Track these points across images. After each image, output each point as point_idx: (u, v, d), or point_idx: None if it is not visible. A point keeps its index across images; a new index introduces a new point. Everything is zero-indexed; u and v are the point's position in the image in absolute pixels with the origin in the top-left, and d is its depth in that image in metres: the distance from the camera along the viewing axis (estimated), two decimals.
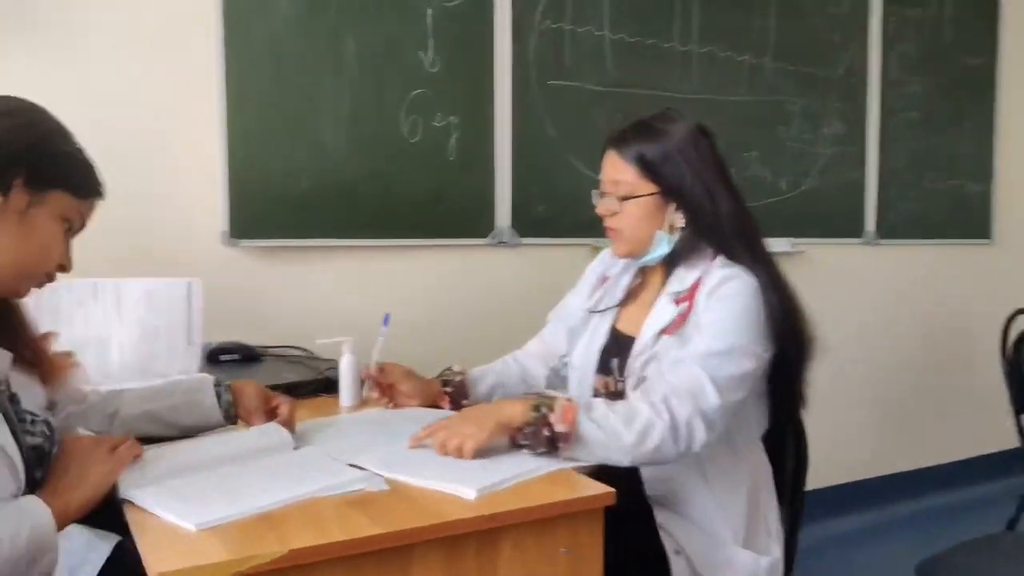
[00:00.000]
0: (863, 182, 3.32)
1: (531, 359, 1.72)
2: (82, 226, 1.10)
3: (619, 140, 1.47)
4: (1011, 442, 2.73)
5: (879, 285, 3.44)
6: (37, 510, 0.96)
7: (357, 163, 2.32)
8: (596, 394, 1.52)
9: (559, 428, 1.19)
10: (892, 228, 3.40)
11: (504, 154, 2.52)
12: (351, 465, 1.15)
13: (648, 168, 1.43)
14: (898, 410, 3.53)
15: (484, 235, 2.53)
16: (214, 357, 1.95)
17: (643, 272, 1.57)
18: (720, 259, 1.43)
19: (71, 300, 1.72)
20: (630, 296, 1.56)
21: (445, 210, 2.46)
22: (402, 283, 2.45)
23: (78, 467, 1.03)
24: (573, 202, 2.63)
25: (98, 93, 2.04)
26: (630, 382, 1.44)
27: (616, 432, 1.23)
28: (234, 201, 2.16)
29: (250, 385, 1.36)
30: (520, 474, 1.11)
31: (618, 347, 1.51)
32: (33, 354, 1.13)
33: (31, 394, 1.11)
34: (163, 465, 1.10)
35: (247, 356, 1.96)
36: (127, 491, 1.03)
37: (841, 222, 3.29)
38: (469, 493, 1.03)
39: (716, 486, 1.41)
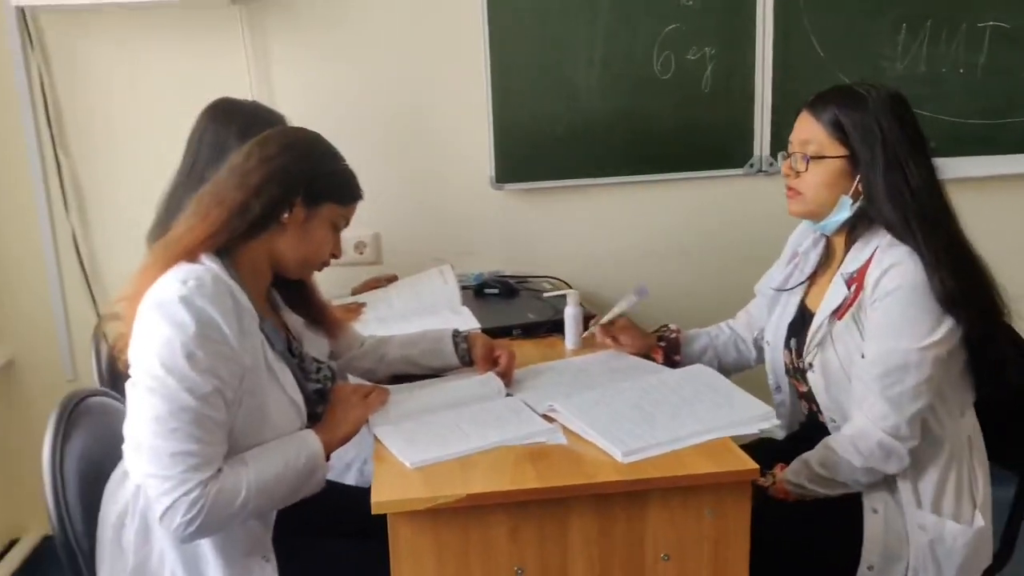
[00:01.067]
0: None
1: (742, 328, 1.80)
2: (347, 223, 1.41)
3: (816, 100, 1.47)
4: None
5: None
6: (310, 440, 1.30)
7: (609, 105, 2.44)
8: (786, 369, 1.59)
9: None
10: None
11: (764, 79, 2.48)
12: (545, 415, 1.38)
13: (841, 130, 1.41)
14: None
15: (741, 165, 2.54)
16: (480, 291, 2.28)
17: (829, 246, 1.56)
18: (889, 238, 1.39)
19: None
20: (818, 271, 1.57)
21: (699, 142, 2.51)
22: (658, 217, 2.57)
23: (342, 410, 1.37)
24: None
25: (380, 63, 2.38)
26: (807, 361, 1.49)
27: (823, 490, 1.42)
28: (499, 149, 2.43)
29: (481, 337, 1.63)
30: (677, 439, 1.26)
31: (803, 323, 1.55)
32: (320, 316, 1.50)
33: (319, 345, 1.49)
34: (403, 408, 1.41)
35: (506, 291, 2.26)
36: (374, 427, 1.36)
37: None
38: (617, 454, 1.22)
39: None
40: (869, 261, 1.42)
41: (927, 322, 1.34)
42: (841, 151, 1.43)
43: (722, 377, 1.51)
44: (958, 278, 1.33)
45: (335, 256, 1.42)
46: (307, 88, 2.37)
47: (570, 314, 1.80)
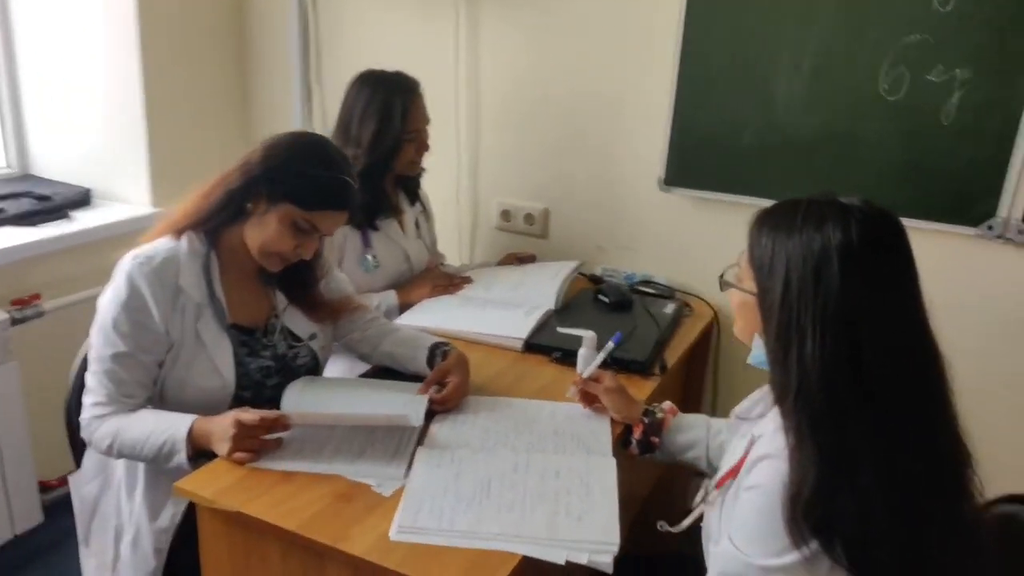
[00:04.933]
0: None
1: None
2: (315, 228, 1.52)
3: (757, 216, 1.16)
4: None
5: None
6: (181, 427, 1.39)
7: (812, 121, 2.07)
8: None
9: None
10: None
11: None
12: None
13: (753, 261, 1.12)
14: None
15: (976, 223, 1.97)
16: (596, 295, 2.20)
17: None
18: (777, 420, 1.07)
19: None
20: None
21: (924, 186, 2.01)
22: None
23: (221, 431, 1.37)
24: None
25: (575, 50, 2.33)
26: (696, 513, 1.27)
27: None
28: (673, 149, 2.23)
29: (454, 357, 1.65)
30: (470, 535, 1.22)
31: None
32: (307, 302, 1.66)
33: (304, 325, 1.67)
34: (318, 409, 1.51)
35: (618, 304, 2.14)
36: (283, 407, 1.49)
37: None
38: (394, 526, 1.22)
39: None
40: (766, 434, 1.12)
41: (778, 542, 1.02)
42: (751, 286, 1.13)
43: (613, 482, 1.34)
44: (824, 507, 0.98)
45: (303, 257, 1.55)
46: (508, 68, 2.45)
47: (581, 355, 1.70)
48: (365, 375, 1.77)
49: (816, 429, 1.01)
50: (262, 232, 1.51)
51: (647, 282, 2.33)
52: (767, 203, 2.17)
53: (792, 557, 1.01)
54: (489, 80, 2.48)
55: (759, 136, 2.13)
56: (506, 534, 1.22)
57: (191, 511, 1.40)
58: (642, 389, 1.74)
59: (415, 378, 1.68)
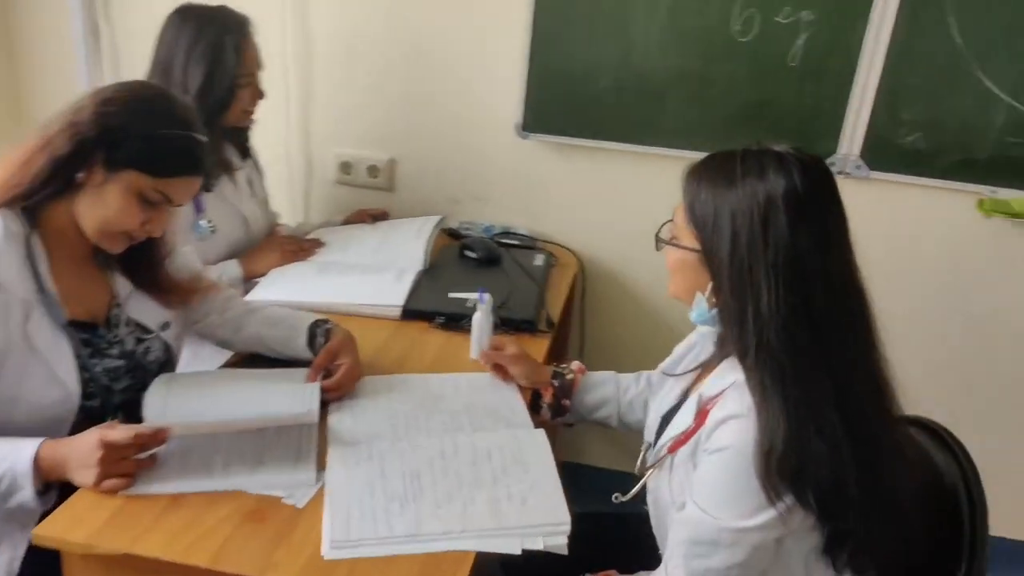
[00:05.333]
0: None
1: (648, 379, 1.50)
2: (167, 199, 1.27)
3: (693, 170, 1.12)
4: None
5: None
6: (23, 456, 1.11)
7: (668, 64, 2.05)
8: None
9: None
10: None
11: (873, 63, 1.96)
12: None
13: (693, 221, 1.09)
14: None
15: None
16: (462, 251, 2.08)
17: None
18: (739, 379, 1.05)
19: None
20: (713, 359, 1.22)
21: (772, 126, 2.06)
22: None
23: (81, 456, 1.13)
24: (966, 132, 1.97)
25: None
26: (646, 481, 1.22)
27: None
28: (531, 95, 2.14)
29: (338, 336, 1.46)
30: (414, 537, 1.08)
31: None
32: (158, 284, 1.40)
33: (153, 314, 1.41)
34: (196, 414, 1.26)
35: (487, 258, 2.04)
36: (147, 418, 1.22)
37: None
38: (325, 543, 1.07)
39: None
40: (722, 395, 1.09)
41: (746, 503, 1.01)
42: (693, 243, 1.10)
43: (549, 455, 1.26)
44: (797, 457, 0.98)
45: (153, 234, 1.30)
46: (343, 4, 2.20)
47: (476, 321, 1.59)
48: (229, 365, 1.54)
49: (781, 382, 1.00)
50: (101, 207, 1.24)
51: (508, 233, 2.24)
52: (626, 148, 2.13)
53: (767, 515, 1.00)
54: (321, 17, 2.22)
55: (617, 79, 2.09)
56: (452, 531, 1.11)
57: (35, 556, 1.14)
58: (533, 348, 1.66)
59: (293, 363, 1.48)
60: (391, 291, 1.79)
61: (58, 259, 1.27)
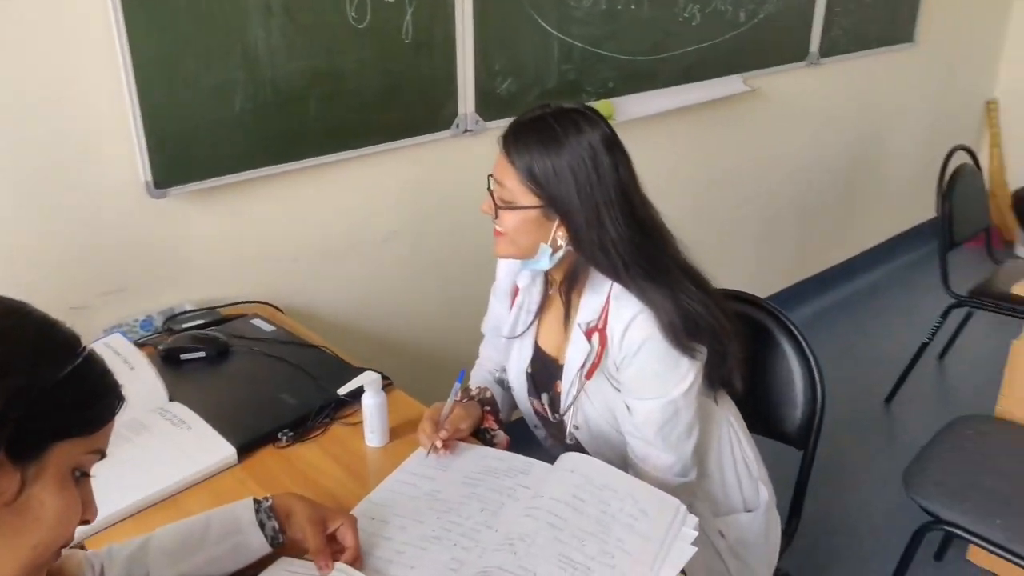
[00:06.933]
0: (813, 2, 3.08)
1: (499, 371, 1.62)
2: (101, 453, 0.77)
3: (512, 141, 1.27)
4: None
5: (818, 104, 3.34)
6: None
7: (299, 66, 1.84)
8: (538, 416, 1.53)
9: None
10: (833, 45, 3.24)
11: (465, 26, 2.09)
12: None
13: (533, 181, 1.25)
14: (822, 214, 3.64)
15: (448, 126, 2.16)
16: (173, 358, 1.61)
17: (547, 281, 1.45)
18: (616, 289, 1.30)
19: None
20: (543, 308, 1.46)
21: (403, 105, 2.06)
22: (367, 198, 2.10)
23: None
24: (537, 68, 2.29)
25: None
26: (571, 423, 1.42)
27: None
28: (153, 144, 1.67)
29: (297, 503, 1.09)
30: None
31: (544, 367, 1.46)
32: None
33: None
34: None
35: (216, 352, 1.62)
36: None
37: (792, 47, 3.09)
38: None
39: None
40: (606, 310, 1.31)
41: (680, 368, 1.29)
42: (534, 201, 1.26)
43: (607, 468, 1.24)
44: (687, 319, 1.27)
45: (87, 522, 0.78)
46: None
47: (372, 405, 1.35)
48: None
49: (649, 278, 1.27)
50: (29, 528, 0.71)
51: (180, 316, 1.78)
52: (283, 170, 1.91)
53: (693, 368, 1.30)
54: None
55: (251, 97, 1.79)
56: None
57: None
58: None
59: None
60: (198, 441, 1.34)
61: None
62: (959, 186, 2.75)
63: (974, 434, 1.88)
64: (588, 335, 1.34)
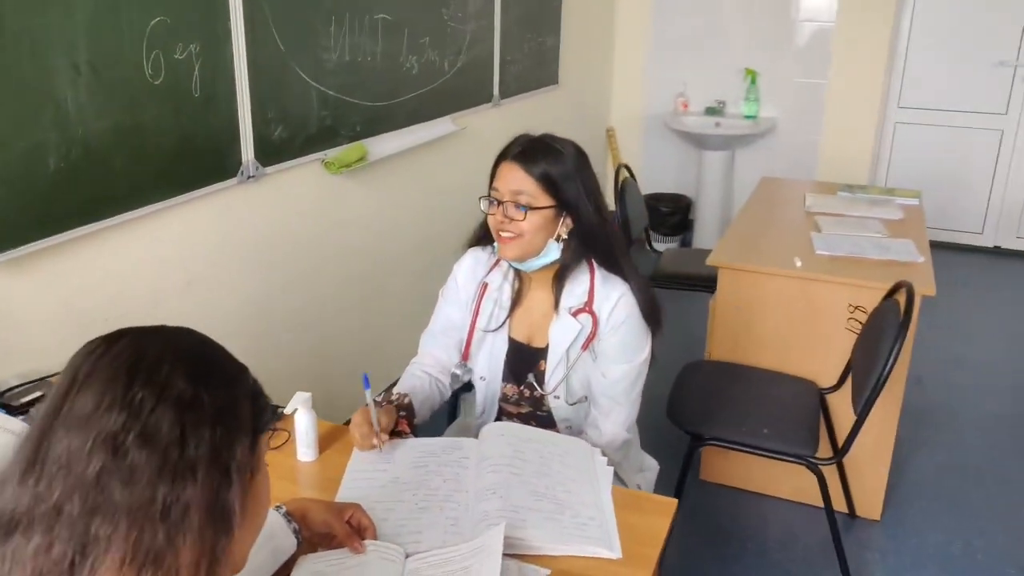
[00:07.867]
0: (492, 51, 3.63)
1: (436, 371, 1.79)
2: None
3: (525, 156, 1.58)
4: None
5: (502, 137, 3.90)
6: None
7: (106, 123, 1.84)
8: (506, 398, 1.74)
9: None
10: (506, 88, 3.82)
11: (242, 79, 2.22)
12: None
13: (549, 183, 1.56)
14: None
15: (235, 173, 2.26)
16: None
17: (520, 278, 1.71)
18: (600, 272, 1.63)
19: None
20: (515, 303, 1.70)
21: (195, 156, 2.12)
22: (167, 252, 2.11)
23: None
24: (302, 116, 2.49)
25: None
26: (557, 392, 1.68)
27: None
28: None
29: (310, 503, 1.24)
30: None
31: (520, 356, 1.70)
32: None
33: None
34: None
35: None
36: None
37: (481, 91, 3.61)
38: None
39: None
40: (590, 294, 1.62)
41: (646, 338, 1.67)
42: (550, 201, 1.56)
43: (525, 427, 1.55)
44: (648, 296, 1.66)
45: None
46: None
47: (306, 423, 1.49)
48: None
49: (625, 264, 1.65)
50: (259, 510, 0.85)
51: (9, 393, 1.67)
52: (95, 227, 1.96)
53: (650, 341, 1.69)
54: None
55: (64, 157, 1.75)
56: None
57: None
58: None
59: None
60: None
61: None
62: (626, 195, 3.48)
63: (700, 374, 2.49)
64: (574, 314, 1.63)
